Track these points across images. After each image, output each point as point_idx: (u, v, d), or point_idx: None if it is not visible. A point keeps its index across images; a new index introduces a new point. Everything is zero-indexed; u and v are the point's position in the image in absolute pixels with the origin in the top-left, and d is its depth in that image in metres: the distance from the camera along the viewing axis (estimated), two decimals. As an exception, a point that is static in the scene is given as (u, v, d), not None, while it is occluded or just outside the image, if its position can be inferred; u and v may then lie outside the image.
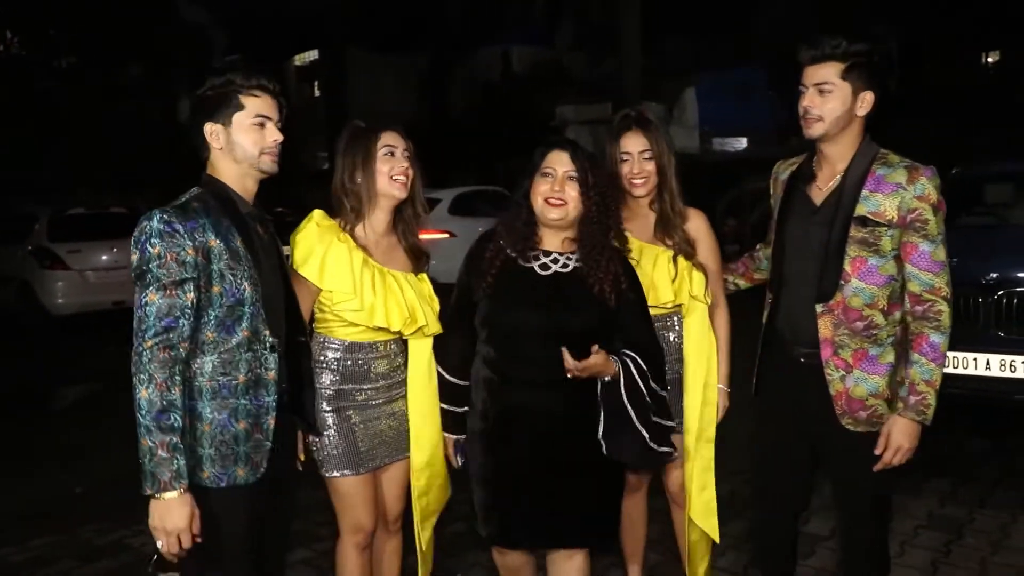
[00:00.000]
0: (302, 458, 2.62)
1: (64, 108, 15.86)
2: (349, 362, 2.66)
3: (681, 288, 2.84)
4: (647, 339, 2.59)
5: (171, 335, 2.07)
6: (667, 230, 2.88)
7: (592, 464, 2.52)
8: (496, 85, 23.49)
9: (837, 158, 2.52)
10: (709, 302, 2.88)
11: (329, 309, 2.63)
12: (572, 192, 2.51)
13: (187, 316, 2.10)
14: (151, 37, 16.68)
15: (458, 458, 2.76)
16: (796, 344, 2.58)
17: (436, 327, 2.73)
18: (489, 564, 3.62)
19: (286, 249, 2.54)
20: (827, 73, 2.44)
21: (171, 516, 2.05)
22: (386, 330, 2.65)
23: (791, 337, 2.60)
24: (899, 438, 2.45)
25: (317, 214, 2.67)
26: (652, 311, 2.73)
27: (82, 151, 15.81)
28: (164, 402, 2.05)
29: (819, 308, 2.50)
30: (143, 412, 2.05)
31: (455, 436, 2.75)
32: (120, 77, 17.23)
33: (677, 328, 2.92)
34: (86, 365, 8.36)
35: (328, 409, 2.65)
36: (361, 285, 2.58)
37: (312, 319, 2.68)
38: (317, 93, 26.24)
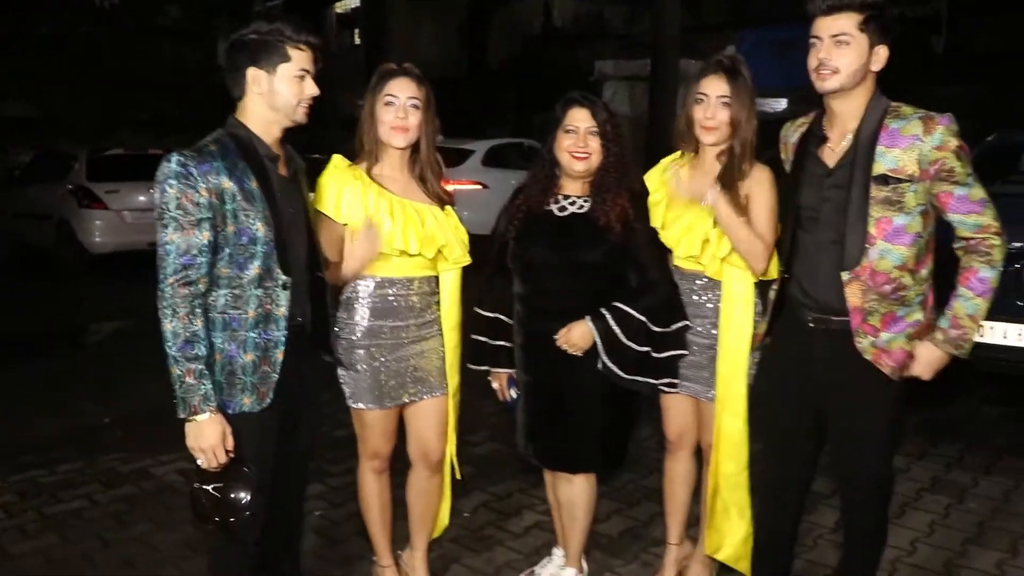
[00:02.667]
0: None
1: (104, 50, 16.01)
2: (381, 298, 2.76)
3: (709, 248, 2.76)
4: (653, 271, 2.80)
5: (190, 272, 2.20)
6: (724, 186, 2.70)
7: (603, 390, 2.80)
8: (536, 37, 23.22)
9: (848, 116, 2.43)
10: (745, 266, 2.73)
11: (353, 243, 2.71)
12: (594, 144, 2.77)
13: (204, 254, 2.22)
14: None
15: (511, 392, 3.00)
16: (812, 311, 2.51)
17: (461, 254, 2.85)
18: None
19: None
20: (844, 24, 2.34)
21: (204, 435, 2.22)
22: (409, 255, 2.72)
23: (808, 304, 2.52)
24: (924, 367, 2.43)
25: (335, 158, 2.78)
26: (694, 267, 2.85)
27: (121, 92, 15.99)
28: (188, 333, 2.20)
29: (845, 276, 2.41)
30: (169, 344, 2.20)
31: (505, 370, 2.99)
32: (160, 19, 17.34)
33: (718, 293, 2.82)
34: (119, 302, 8.56)
35: (359, 344, 2.76)
36: (377, 213, 2.68)
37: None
38: (357, 41, 26.12)
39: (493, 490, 3.92)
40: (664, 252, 2.88)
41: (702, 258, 2.79)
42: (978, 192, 2.36)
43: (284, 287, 2.35)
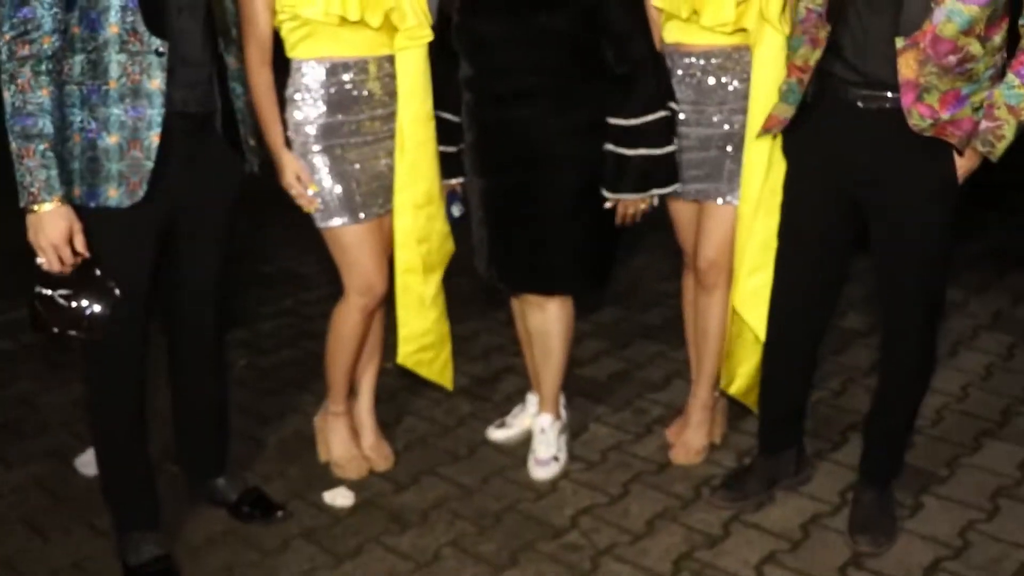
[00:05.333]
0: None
1: None
2: (335, 87, 2.42)
3: (749, 9, 2.36)
4: (634, 44, 2.41)
5: (29, 27, 1.92)
6: None
7: (576, 187, 2.49)
8: None
9: None
10: (786, 31, 2.33)
11: (284, 10, 2.32)
12: None
13: (46, 5, 1.93)
14: None
15: (453, 208, 2.73)
16: (860, 88, 2.17)
17: (418, 26, 2.44)
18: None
19: None
20: None
21: (44, 230, 1.98)
22: (350, 23, 2.32)
23: (854, 79, 2.17)
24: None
25: None
26: (708, 41, 2.45)
27: None
28: (28, 105, 1.95)
29: (900, 43, 2.06)
30: (8, 117, 1.95)
31: (451, 181, 2.68)
32: None
33: (740, 70, 2.46)
34: None
35: (317, 149, 2.44)
36: None
37: (284, 48, 2.42)
38: None
39: (455, 330, 3.38)
40: (645, 17, 2.45)
41: (742, 22, 2.36)
42: None
43: (157, 53, 2.03)
